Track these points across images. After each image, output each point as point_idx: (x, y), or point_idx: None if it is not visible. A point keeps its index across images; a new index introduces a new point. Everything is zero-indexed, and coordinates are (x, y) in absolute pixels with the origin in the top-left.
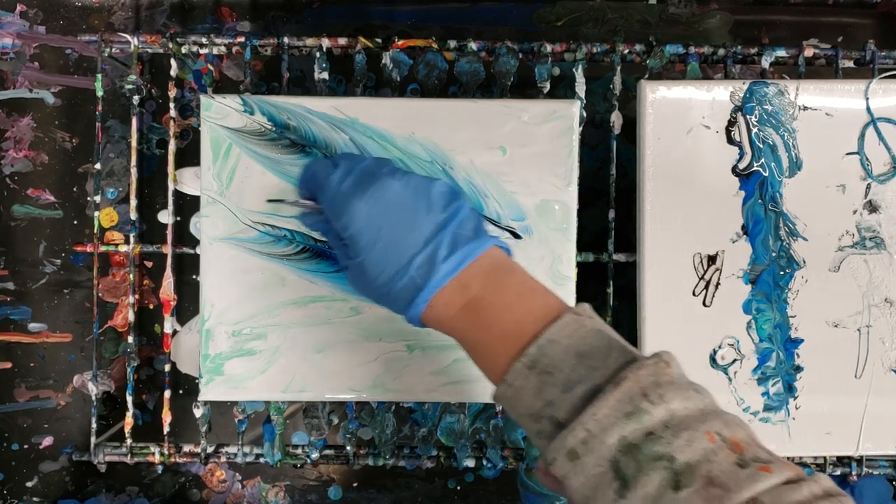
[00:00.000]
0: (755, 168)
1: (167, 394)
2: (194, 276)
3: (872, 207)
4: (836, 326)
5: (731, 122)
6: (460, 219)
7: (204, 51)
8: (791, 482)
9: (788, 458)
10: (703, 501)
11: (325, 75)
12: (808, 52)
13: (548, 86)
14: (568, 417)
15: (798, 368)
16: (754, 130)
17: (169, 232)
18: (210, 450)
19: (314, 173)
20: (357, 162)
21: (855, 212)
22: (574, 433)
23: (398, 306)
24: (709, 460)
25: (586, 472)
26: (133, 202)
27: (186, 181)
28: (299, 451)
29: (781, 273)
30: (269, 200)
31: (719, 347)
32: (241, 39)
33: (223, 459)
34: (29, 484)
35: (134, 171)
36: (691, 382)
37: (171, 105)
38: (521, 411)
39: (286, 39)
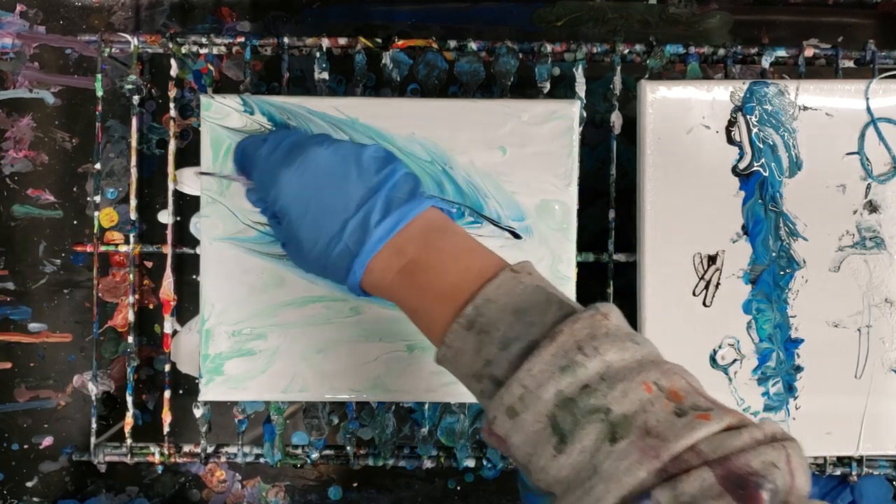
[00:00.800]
0: (755, 168)
1: (167, 394)
2: (194, 276)
3: (872, 207)
4: (836, 326)
5: (732, 122)
6: (394, 182)
7: (204, 51)
8: (732, 428)
9: None
10: (640, 452)
11: (325, 75)
12: (809, 52)
13: (548, 86)
14: (506, 375)
15: (798, 368)
16: (754, 130)
17: (169, 232)
18: (210, 450)
19: (244, 149)
20: (286, 135)
21: (855, 212)
22: (511, 390)
23: (337, 276)
24: (645, 410)
25: (525, 428)
26: (133, 202)
27: (186, 181)
28: (299, 451)
29: (781, 273)
30: (201, 173)
31: (719, 347)
32: (241, 39)
33: (223, 459)
34: (29, 484)
35: (134, 171)
36: (631, 333)
37: (171, 105)
38: (463, 372)
39: (286, 39)
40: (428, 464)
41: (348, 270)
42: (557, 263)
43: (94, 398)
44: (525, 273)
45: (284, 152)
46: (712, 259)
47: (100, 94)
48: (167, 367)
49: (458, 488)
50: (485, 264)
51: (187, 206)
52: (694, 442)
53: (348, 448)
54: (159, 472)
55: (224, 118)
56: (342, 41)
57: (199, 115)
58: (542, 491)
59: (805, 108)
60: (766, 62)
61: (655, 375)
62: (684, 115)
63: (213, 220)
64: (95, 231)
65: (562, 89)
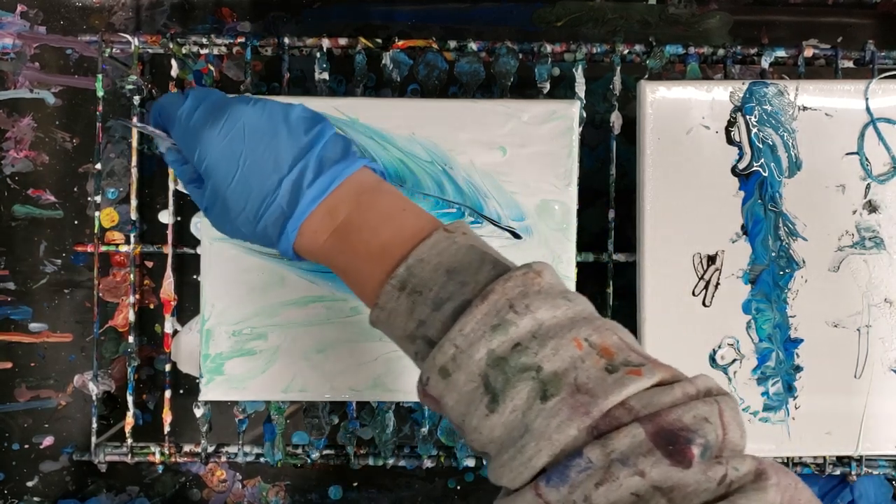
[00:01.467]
0: (755, 168)
1: (167, 394)
2: (195, 276)
3: (872, 207)
4: (835, 326)
5: (731, 123)
6: (325, 141)
7: (204, 51)
8: (665, 384)
9: (788, 458)
10: (570, 409)
11: (326, 75)
12: (808, 53)
13: (548, 86)
14: (438, 335)
15: (798, 368)
16: (754, 131)
17: (169, 232)
18: (210, 449)
19: (163, 107)
20: (207, 93)
21: (855, 212)
22: (443, 350)
23: (269, 240)
24: (576, 367)
25: (458, 388)
26: (133, 202)
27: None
28: (299, 450)
29: (781, 273)
30: (115, 119)
31: (719, 347)
32: (242, 40)
33: (223, 459)
34: (29, 484)
35: (134, 171)
36: (564, 291)
37: None
38: (397, 334)
39: (286, 40)
40: (428, 463)
41: (281, 232)
42: (557, 263)
43: (94, 398)
44: (459, 233)
45: (208, 111)
46: (712, 259)
47: (100, 94)
48: (167, 367)
49: (459, 488)
50: (418, 224)
51: (188, 206)
52: (624, 398)
53: (348, 448)
54: (160, 471)
55: None
56: (342, 41)
57: None
58: (477, 452)
59: (805, 109)
60: (765, 62)
61: (587, 332)
62: (684, 115)
63: None
64: (96, 231)
65: (562, 89)
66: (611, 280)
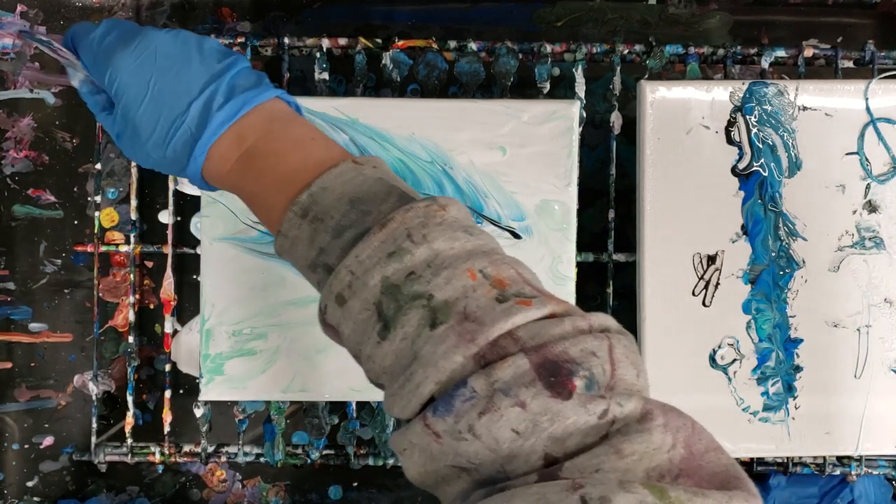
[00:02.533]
0: (755, 168)
1: (167, 394)
2: (195, 276)
3: (872, 207)
4: (835, 326)
5: (731, 123)
6: (238, 70)
7: None
8: (556, 316)
9: (788, 458)
10: (457, 336)
11: (326, 75)
12: (808, 53)
13: (548, 86)
14: (337, 262)
15: (798, 368)
16: (754, 130)
17: (169, 232)
18: (210, 449)
19: (75, 34)
20: (121, 23)
21: (854, 212)
22: (339, 277)
23: (177, 164)
24: (466, 296)
25: (353, 316)
26: (133, 202)
27: (187, 181)
28: (299, 450)
29: (781, 273)
30: (22, 31)
31: (719, 347)
32: (242, 39)
33: (223, 459)
34: (29, 483)
35: (134, 171)
36: (469, 226)
37: None
38: (301, 263)
39: (286, 39)
40: None
41: (189, 155)
42: (557, 263)
43: (94, 398)
44: (369, 166)
45: (120, 36)
46: (712, 259)
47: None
48: (167, 367)
49: None
50: (327, 154)
51: (188, 205)
52: (511, 328)
53: (348, 448)
54: (160, 471)
55: None
56: (342, 41)
57: None
58: (374, 384)
59: (804, 109)
60: (765, 62)
61: (482, 264)
62: (684, 115)
63: (214, 219)
64: (96, 231)
65: (562, 89)
66: (611, 280)
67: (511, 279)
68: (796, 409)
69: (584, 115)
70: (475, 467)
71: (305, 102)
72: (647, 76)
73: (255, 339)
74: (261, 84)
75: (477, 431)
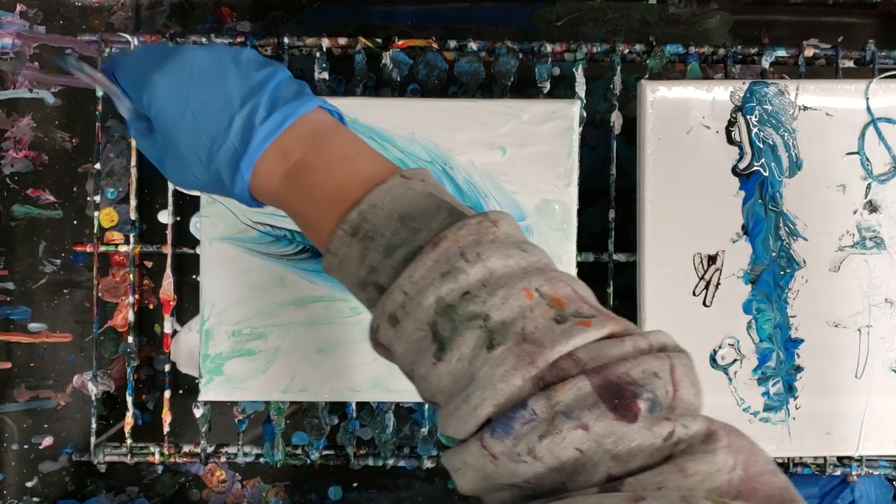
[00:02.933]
0: (755, 168)
1: (167, 394)
2: (194, 276)
3: (873, 207)
4: (836, 326)
5: (732, 122)
6: (278, 81)
7: None
8: (616, 336)
9: (789, 458)
10: (516, 358)
11: (326, 75)
12: (809, 52)
13: (548, 86)
14: (389, 282)
15: (798, 368)
16: (754, 130)
17: (169, 232)
18: (210, 450)
19: (112, 62)
20: (157, 46)
21: (855, 212)
22: (392, 297)
23: (223, 184)
24: (524, 317)
25: (407, 336)
26: (133, 202)
27: None
28: (299, 451)
29: (782, 273)
30: (58, 59)
31: (719, 347)
32: (241, 39)
33: (223, 459)
34: (29, 484)
35: (134, 171)
36: (520, 241)
37: None
38: (349, 281)
39: (286, 39)
40: (428, 464)
41: (235, 172)
42: (557, 263)
43: (93, 398)
44: (417, 179)
45: (155, 56)
46: (712, 259)
47: (100, 93)
48: (167, 367)
49: None
50: (374, 169)
51: (187, 206)
52: (572, 349)
53: (348, 448)
54: (159, 472)
55: None
56: (342, 41)
57: None
58: (428, 402)
59: (805, 108)
60: (766, 62)
61: (538, 282)
62: (684, 115)
63: (213, 219)
64: (95, 231)
65: (562, 89)
66: (611, 280)
67: (568, 297)
68: (797, 409)
69: (585, 114)
70: (531, 486)
71: None
72: (647, 76)
73: (254, 339)
74: (303, 94)
75: (537, 454)
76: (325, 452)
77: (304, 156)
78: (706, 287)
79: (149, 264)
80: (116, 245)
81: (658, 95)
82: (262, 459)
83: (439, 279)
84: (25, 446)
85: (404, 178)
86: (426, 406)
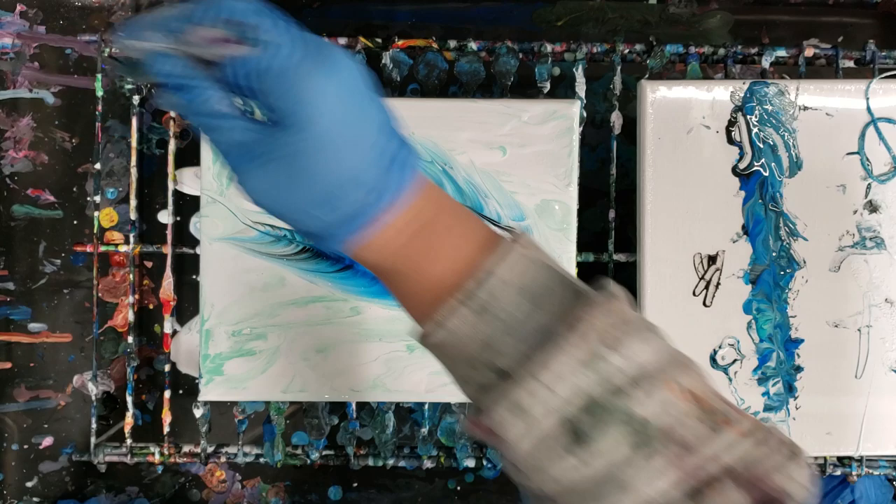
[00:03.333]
0: (755, 168)
1: (167, 394)
2: (194, 276)
3: (873, 207)
4: (836, 326)
5: (732, 122)
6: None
7: None
8: (750, 435)
9: None
10: (664, 461)
11: None
12: (809, 52)
13: (548, 86)
14: (512, 365)
15: (798, 368)
16: (754, 130)
17: (169, 232)
18: (210, 450)
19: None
20: (298, 31)
21: (855, 212)
22: (523, 384)
23: (327, 223)
24: (669, 414)
25: (534, 427)
26: (133, 202)
27: (186, 181)
28: (299, 451)
29: (782, 273)
30: (120, 31)
31: (719, 347)
32: None
33: (223, 459)
34: (29, 484)
35: (134, 171)
36: (646, 322)
37: None
38: (456, 356)
39: None
40: (428, 464)
41: (353, 218)
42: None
43: (93, 398)
44: (532, 248)
45: (311, 50)
46: (712, 259)
47: (100, 93)
48: (167, 368)
49: (458, 488)
50: (487, 235)
51: (187, 205)
52: (719, 453)
53: (348, 448)
54: (159, 472)
55: None
56: (342, 41)
57: None
58: (536, 495)
59: (805, 108)
60: (766, 62)
61: (677, 373)
62: (684, 115)
63: (213, 219)
64: (95, 231)
65: (562, 89)
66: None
67: (705, 393)
68: (797, 409)
69: (585, 114)
70: None
71: None
72: (647, 76)
73: (254, 339)
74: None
75: None
76: (325, 452)
77: (430, 217)
78: (706, 287)
79: (149, 264)
80: (116, 245)
81: (658, 95)
82: (262, 459)
83: (579, 368)
84: (25, 446)
85: (520, 247)
86: (426, 406)
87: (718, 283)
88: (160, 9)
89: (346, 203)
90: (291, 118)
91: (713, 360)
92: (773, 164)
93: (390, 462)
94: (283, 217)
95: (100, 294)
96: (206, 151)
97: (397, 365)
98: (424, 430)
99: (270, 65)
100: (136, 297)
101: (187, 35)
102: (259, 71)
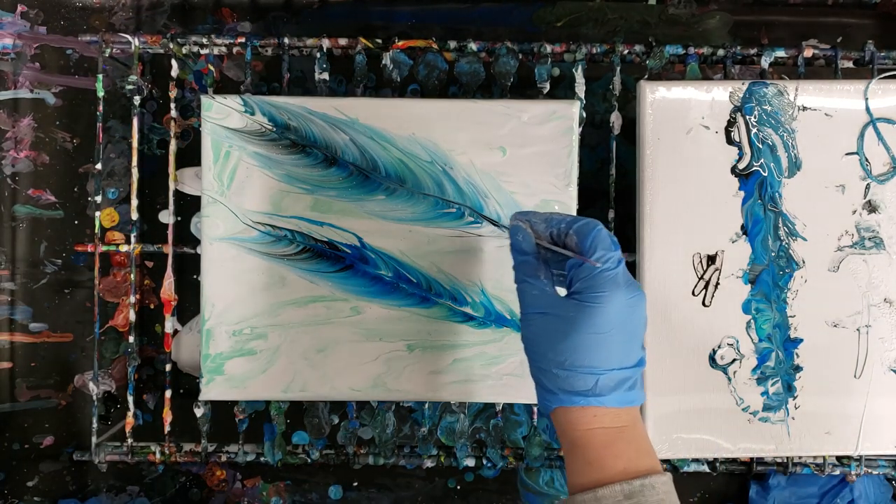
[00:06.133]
0: (754, 168)
1: (168, 393)
2: (195, 276)
3: (872, 207)
4: (835, 326)
5: (731, 123)
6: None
7: (204, 51)
8: None
9: (788, 458)
10: None
11: (326, 76)
12: (808, 53)
13: (547, 86)
14: None
15: (797, 368)
16: (753, 131)
17: (170, 232)
18: (210, 449)
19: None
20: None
21: (854, 212)
22: None
23: (566, 384)
24: None
25: None
26: (134, 202)
27: (187, 181)
28: (299, 450)
29: (781, 273)
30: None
31: (719, 347)
32: (242, 40)
33: (223, 459)
34: (30, 483)
35: (135, 171)
36: None
37: (172, 105)
38: None
39: (286, 40)
40: (428, 463)
41: (582, 395)
42: None
43: (94, 398)
44: (672, 493)
45: (624, 274)
46: (712, 259)
47: (101, 94)
48: (168, 367)
49: (459, 487)
50: (653, 462)
51: (188, 205)
52: None
53: (348, 448)
54: (160, 471)
55: (225, 118)
56: (342, 42)
57: (199, 116)
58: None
59: (804, 109)
60: (765, 62)
61: None
62: (684, 115)
63: (214, 219)
64: (96, 231)
65: (561, 90)
66: None
67: None
68: (796, 408)
69: (584, 115)
70: None
71: (306, 103)
72: (646, 76)
73: (255, 339)
74: None
75: None
76: (325, 452)
77: (626, 424)
78: (705, 287)
79: (150, 264)
80: (117, 245)
81: (657, 96)
82: (262, 459)
83: None
84: (26, 446)
85: (668, 477)
86: (426, 406)
87: (717, 283)
88: (555, 213)
89: (583, 380)
90: (593, 303)
91: (712, 359)
92: (772, 164)
93: (390, 461)
94: (531, 355)
95: (101, 294)
96: (207, 152)
97: (397, 365)
98: (424, 430)
99: (601, 274)
100: (137, 296)
101: (553, 232)
102: (587, 271)
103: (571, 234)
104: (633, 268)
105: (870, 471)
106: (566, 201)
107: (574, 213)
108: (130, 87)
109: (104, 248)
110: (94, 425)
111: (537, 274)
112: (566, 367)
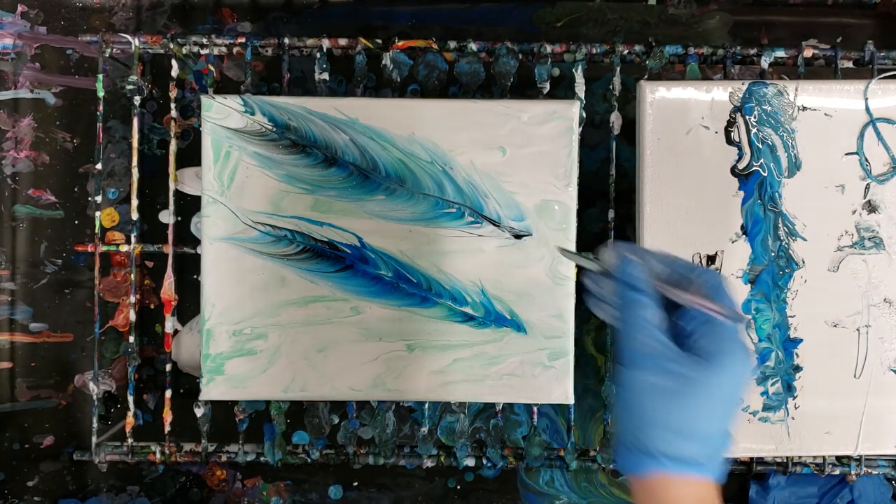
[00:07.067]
0: (754, 168)
1: (168, 393)
2: (195, 276)
3: (871, 207)
4: (835, 326)
5: (731, 123)
6: None
7: (204, 51)
8: None
9: (788, 458)
10: None
11: (326, 76)
12: (808, 53)
13: (547, 86)
14: None
15: (797, 368)
16: (753, 131)
17: (170, 232)
18: (211, 449)
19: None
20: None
21: (854, 212)
22: None
23: (629, 453)
24: None
25: None
26: (134, 202)
27: (187, 181)
28: (299, 450)
29: (780, 273)
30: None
31: None
32: (242, 40)
33: (224, 459)
34: (30, 483)
35: (135, 171)
36: None
37: (172, 105)
38: None
39: (286, 40)
40: (428, 463)
41: (656, 460)
42: (557, 263)
43: (95, 398)
44: None
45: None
46: (711, 259)
47: (101, 94)
48: (168, 367)
49: (458, 487)
50: None
51: (188, 205)
52: None
53: (348, 447)
54: (160, 471)
55: (225, 119)
56: (342, 42)
57: (199, 116)
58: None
59: (804, 109)
60: (765, 63)
61: None
62: (683, 115)
63: (214, 219)
64: (96, 231)
65: (561, 90)
66: None
67: None
68: (796, 408)
69: (584, 115)
70: None
71: (306, 103)
72: (646, 76)
73: (255, 338)
74: None
75: None
76: (325, 451)
77: (700, 499)
78: None
79: (150, 264)
80: (117, 245)
81: (657, 96)
82: (262, 459)
83: None
84: (26, 446)
85: None
86: (426, 406)
87: None
88: (667, 254)
89: (696, 448)
90: (723, 364)
91: None
92: (771, 164)
93: (391, 461)
94: (627, 409)
95: (101, 294)
96: (207, 152)
97: (397, 364)
98: (424, 430)
99: (725, 327)
100: (137, 296)
101: (673, 276)
102: (714, 327)
103: (699, 282)
104: None
105: (869, 471)
106: (566, 201)
107: (574, 213)
108: (130, 87)
109: (104, 248)
110: (95, 425)
111: (652, 319)
112: (677, 431)
